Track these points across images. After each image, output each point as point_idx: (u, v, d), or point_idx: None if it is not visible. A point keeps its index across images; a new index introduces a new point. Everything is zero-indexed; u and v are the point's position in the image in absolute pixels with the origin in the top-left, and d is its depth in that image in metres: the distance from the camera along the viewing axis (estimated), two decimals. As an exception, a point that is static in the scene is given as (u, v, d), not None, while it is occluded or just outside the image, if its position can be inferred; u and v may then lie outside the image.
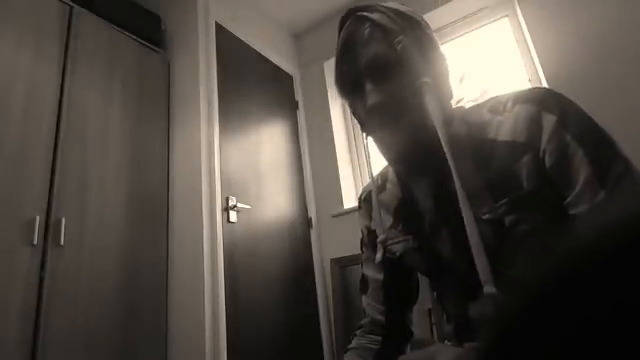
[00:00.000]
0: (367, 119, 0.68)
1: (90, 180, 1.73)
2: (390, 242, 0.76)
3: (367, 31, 0.66)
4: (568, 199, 0.57)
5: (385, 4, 0.70)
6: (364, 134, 0.73)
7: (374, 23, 0.66)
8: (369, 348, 0.78)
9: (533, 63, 2.30)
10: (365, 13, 0.68)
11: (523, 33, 2.36)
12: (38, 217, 1.51)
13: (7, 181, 1.46)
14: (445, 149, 0.62)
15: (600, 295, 0.18)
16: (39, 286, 1.46)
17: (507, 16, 2.50)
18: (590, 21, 2.09)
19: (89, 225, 1.67)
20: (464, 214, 0.60)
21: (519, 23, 2.40)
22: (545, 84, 2.17)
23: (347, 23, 0.70)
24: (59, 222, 1.56)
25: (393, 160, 0.73)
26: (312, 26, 3.11)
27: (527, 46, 2.34)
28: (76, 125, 1.74)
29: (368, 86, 0.65)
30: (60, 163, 1.63)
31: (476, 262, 0.58)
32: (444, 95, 0.68)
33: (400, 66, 0.64)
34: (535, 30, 2.25)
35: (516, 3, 2.37)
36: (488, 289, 0.57)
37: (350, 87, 0.69)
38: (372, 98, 0.64)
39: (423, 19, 0.71)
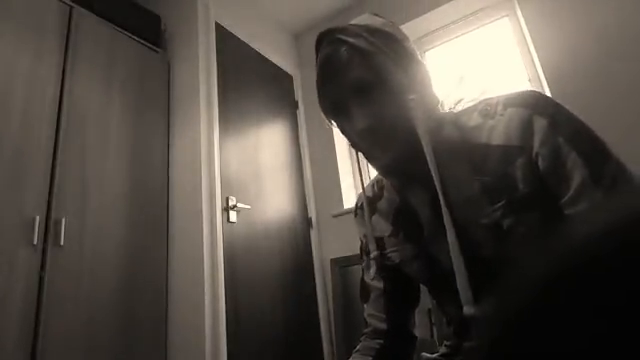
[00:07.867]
0: (357, 140, 0.68)
1: (90, 180, 1.73)
2: (390, 250, 0.76)
3: (345, 55, 0.65)
4: (564, 199, 0.57)
5: (360, 23, 0.69)
6: (354, 150, 0.73)
7: (351, 46, 0.65)
8: (373, 348, 0.79)
9: (533, 63, 2.30)
10: (341, 36, 0.66)
11: (523, 33, 2.36)
12: (38, 217, 1.51)
13: (7, 181, 1.46)
14: (430, 165, 0.62)
15: (598, 295, 0.18)
16: (39, 286, 1.46)
17: (507, 16, 2.50)
18: (590, 20, 2.09)
19: (89, 225, 1.67)
20: (448, 234, 0.60)
21: (519, 23, 2.40)
22: (545, 84, 2.17)
23: (323, 44, 0.69)
24: (59, 222, 1.56)
25: (386, 174, 0.74)
26: (312, 26, 3.11)
27: (527, 46, 2.34)
28: (76, 125, 1.74)
29: (353, 110, 0.65)
30: (60, 163, 1.63)
31: (457, 281, 0.59)
32: (430, 105, 0.68)
33: (382, 86, 0.64)
34: (535, 30, 2.25)
35: (516, 3, 2.37)
36: (467, 310, 0.58)
37: (335, 111, 0.69)
38: (360, 123, 0.64)
39: (399, 30, 0.70)
